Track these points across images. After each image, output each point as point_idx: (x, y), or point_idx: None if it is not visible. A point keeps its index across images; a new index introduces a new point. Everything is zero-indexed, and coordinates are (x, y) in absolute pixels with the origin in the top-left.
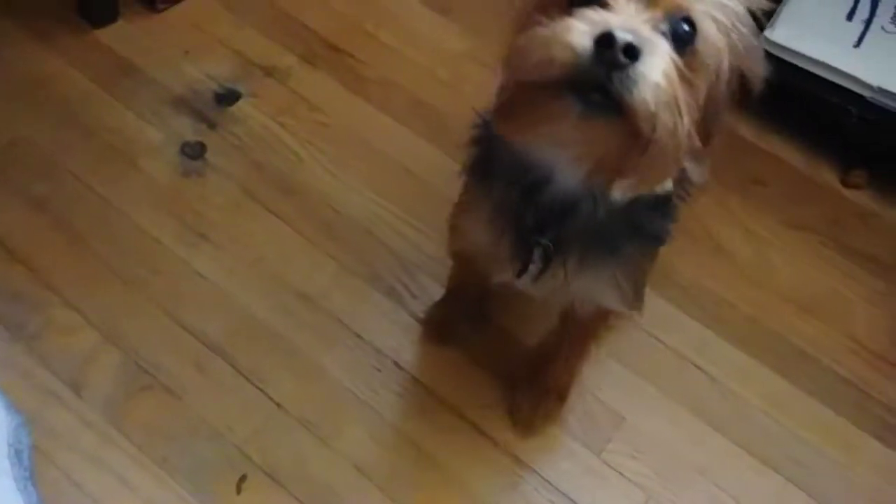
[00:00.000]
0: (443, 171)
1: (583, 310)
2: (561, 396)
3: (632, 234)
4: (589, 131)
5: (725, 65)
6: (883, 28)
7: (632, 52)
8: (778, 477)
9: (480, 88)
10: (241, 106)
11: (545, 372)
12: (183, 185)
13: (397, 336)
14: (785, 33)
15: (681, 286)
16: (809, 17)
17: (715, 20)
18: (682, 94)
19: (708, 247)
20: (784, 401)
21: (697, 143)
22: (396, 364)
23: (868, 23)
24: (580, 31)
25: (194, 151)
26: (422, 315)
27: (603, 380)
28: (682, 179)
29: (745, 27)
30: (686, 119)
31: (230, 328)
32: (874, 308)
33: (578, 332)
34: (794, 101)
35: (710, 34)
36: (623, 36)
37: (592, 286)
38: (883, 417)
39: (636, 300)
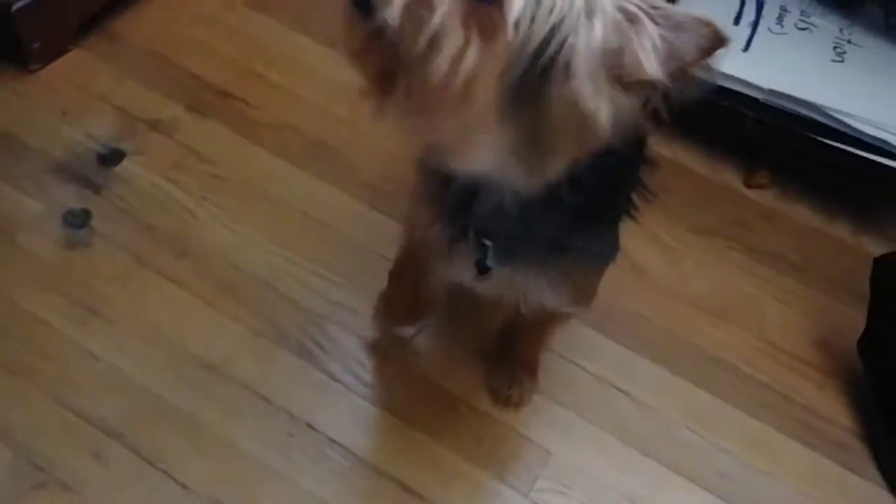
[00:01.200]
0: (345, 212)
1: (528, 308)
2: (531, 371)
3: (562, 247)
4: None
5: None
6: (770, 30)
7: None
8: (708, 495)
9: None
10: (127, 165)
11: (511, 352)
12: (68, 259)
13: (310, 396)
14: None
15: (598, 309)
16: None
17: None
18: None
19: (621, 262)
20: (706, 414)
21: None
22: (310, 426)
23: (755, 26)
24: None
25: (79, 220)
26: (333, 370)
27: (527, 415)
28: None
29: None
30: (455, 49)
31: (128, 410)
32: (784, 307)
33: (530, 327)
34: (692, 107)
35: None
36: None
37: (529, 289)
38: (804, 420)
39: (582, 300)
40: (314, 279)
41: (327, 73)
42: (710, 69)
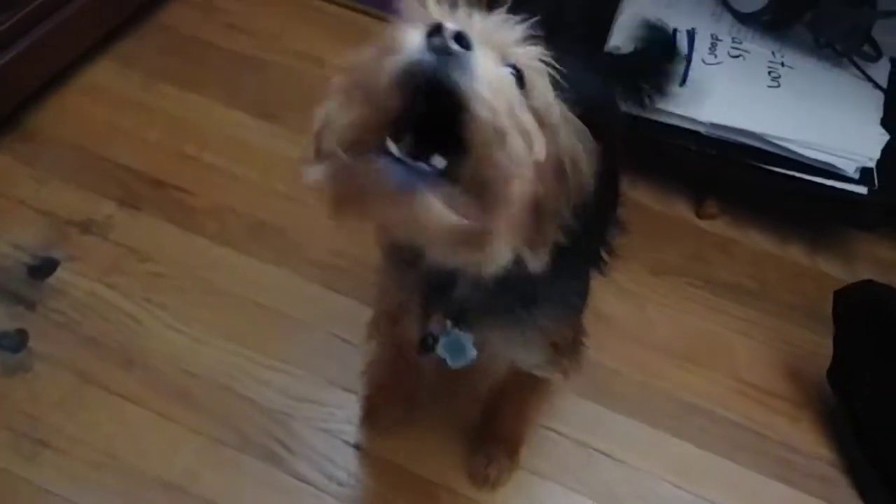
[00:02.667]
0: (298, 296)
1: (506, 375)
2: (513, 450)
3: (535, 302)
4: (417, 207)
5: (559, 127)
6: (703, 61)
7: (463, 41)
8: None
9: (323, 195)
10: (61, 275)
11: (492, 428)
12: (8, 387)
13: (281, 503)
14: None
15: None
16: None
17: (539, 72)
18: (523, 114)
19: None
20: (688, 465)
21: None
22: None
23: (689, 59)
24: (410, 31)
25: (15, 343)
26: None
27: (508, 490)
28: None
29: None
30: (532, 146)
31: None
32: (750, 340)
33: (512, 400)
34: (637, 145)
35: (537, 86)
36: (453, 25)
37: (502, 350)
38: (783, 457)
39: (563, 364)
40: (273, 375)
41: (262, 146)
42: None
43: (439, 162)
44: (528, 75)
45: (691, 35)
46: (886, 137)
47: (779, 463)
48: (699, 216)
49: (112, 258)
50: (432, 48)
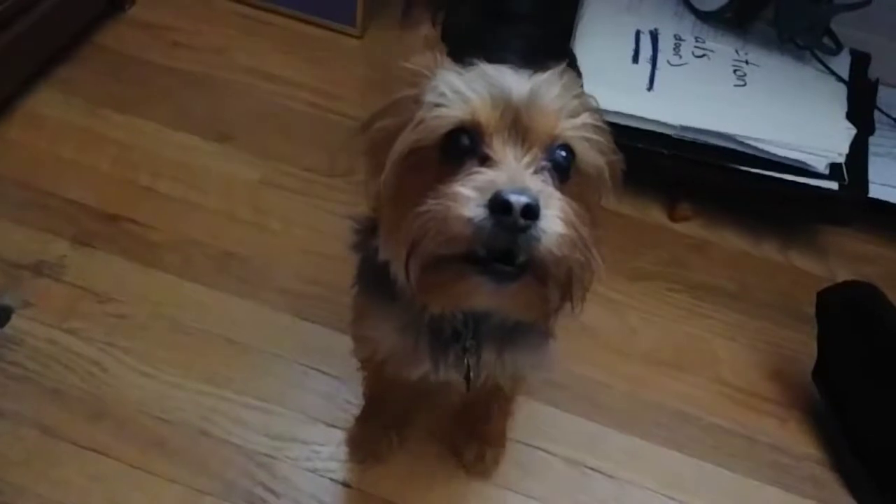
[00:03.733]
0: (269, 328)
1: (506, 383)
2: (500, 435)
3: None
4: (504, 297)
5: (605, 174)
6: (669, 62)
7: (530, 213)
8: None
9: (289, 218)
10: (17, 323)
11: (476, 419)
12: None
13: None
14: None
15: (554, 383)
16: (596, 68)
17: (585, 139)
18: (580, 223)
19: (569, 327)
20: (681, 476)
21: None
22: None
23: (654, 60)
24: (472, 200)
25: None
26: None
27: None
28: None
29: (602, 131)
30: (591, 242)
31: None
32: (733, 342)
33: (490, 402)
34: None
35: (585, 152)
36: (518, 199)
37: (513, 366)
38: (773, 460)
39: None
40: (250, 414)
41: (218, 170)
42: None
43: (522, 257)
44: (578, 147)
45: (654, 36)
46: (853, 131)
47: (770, 467)
48: (673, 219)
49: (69, 301)
50: (504, 227)
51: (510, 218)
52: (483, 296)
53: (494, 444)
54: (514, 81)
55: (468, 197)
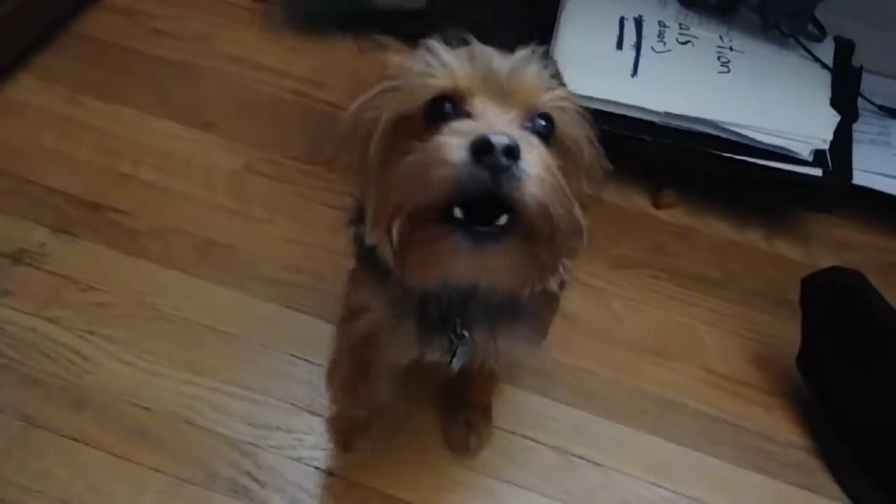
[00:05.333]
0: (254, 317)
1: (499, 366)
2: (486, 416)
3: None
4: (486, 261)
5: (585, 150)
6: (653, 49)
7: (511, 153)
8: None
9: (273, 206)
10: None
11: (464, 399)
12: None
13: None
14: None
15: (538, 371)
16: (580, 55)
17: (564, 110)
18: (563, 181)
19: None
20: (666, 462)
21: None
22: None
23: (638, 47)
24: (455, 145)
25: None
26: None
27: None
28: None
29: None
30: (575, 201)
31: None
32: (717, 329)
33: (482, 378)
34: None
35: (565, 124)
36: (500, 139)
37: (505, 349)
38: (759, 447)
39: (540, 338)
40: (234, 403)
41: (201, 158)
42: None
43: (502, 219)
44: (557, 118)
45: (638, 22)
46: (837, 118)
47: (756, 453)
48: (657, 206)
49: (50, 290)
50: (485, 166)
51: (492, 157)
52: (463, 260)
53: (481, 420)
54: (498, 55)
55: (450, 143)
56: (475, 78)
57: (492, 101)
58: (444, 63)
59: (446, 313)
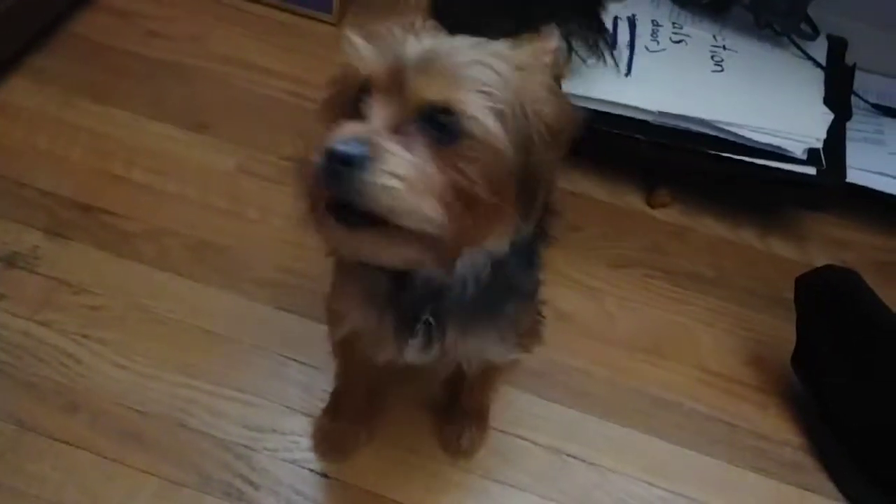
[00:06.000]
0: (247, 318)
1: (472, 368)
2: (481, 418)
3: (509, 295)
4: (368, 245)
5: (509, 148)
6: (647, 48)
7: (347, 160)
8: None
9: (266, 206)
10: None
11: (458, 401)
12: None
13: None
14: None
15: (533, 370)
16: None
17: (484, 106)
18: (441, 181)
19: (547, 314)
20: (662, 463)
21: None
22: None
23: (632, 47)
24: (319, 149)
25: None
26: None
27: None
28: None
29: (536, 86)
30: (452, 201)
31: None
32: (712, 328)
33: (476, 380)
34: (586, 139)
35: (478, 119)
36: (338, 147)
37: (478, 349)
38: (754, 446)
39: (530, 343)
40: (228, 405)
41: (195, 160)
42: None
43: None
44: (469, 112)
45: (632, 22)
46: (831, 116)
47: (751, 452)
48: (651, 206)
49: (43, 293)
50: (327, 172)
51: (331, 165)
52: (346, 243)
53: (475, 420)
54: (413, 44)
55: (319, 146)
56: (380, 71)
57: (387, 97)
58: (360, 53)
59: (417, 308)
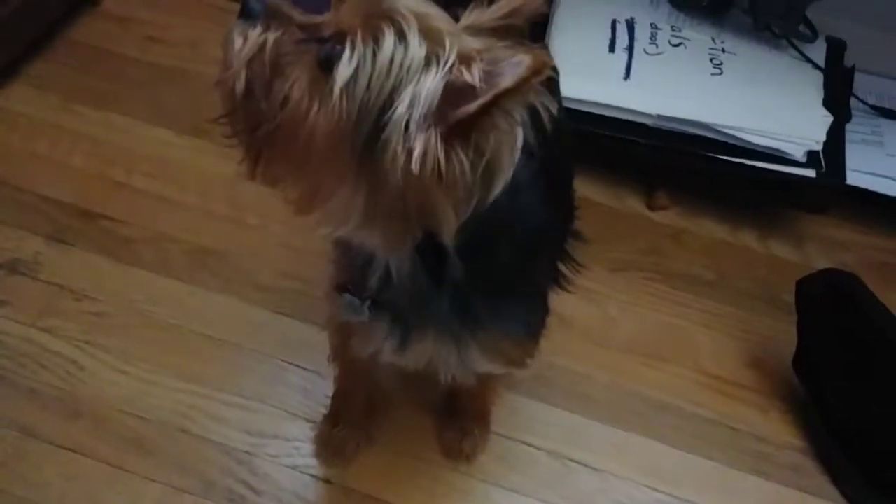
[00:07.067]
0: (247, 323)
1: (462, 378)
2: (483, 422)
3: (498, 319)
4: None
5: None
6: (645, 51)
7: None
8: None
9: (266, 212)
10: None
11: (459, 404)
12: None
13: None
14: None
15: (536, 375)
16: (573, 58)
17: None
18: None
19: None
20: (662, 466)
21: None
22: None
23: (630, 50)
24: None
25: None
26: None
27: None
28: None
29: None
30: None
31: None
32: (712, 331)
33: (477, 385)
34: (584, 142)
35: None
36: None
37: (457, 361)
38: (754, 449)
39: (516, 365)
40: (230, 411)
41: (196, 166)
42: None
43: None
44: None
45: (631, 25)
46: (830, 119)
47: (752, 456)
48: (650, 208)
49: (45, 299)
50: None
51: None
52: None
53: (477, 424)
54: None
55: None
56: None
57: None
58: None
59: (369, 294)
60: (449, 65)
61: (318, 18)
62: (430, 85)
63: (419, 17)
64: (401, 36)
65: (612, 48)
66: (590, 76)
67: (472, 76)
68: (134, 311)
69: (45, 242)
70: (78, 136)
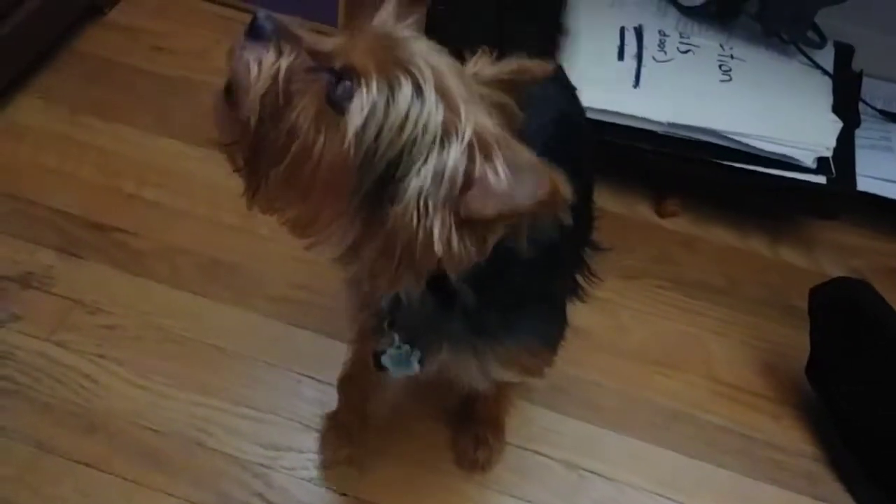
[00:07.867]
0: (261, 335)
1: (475, 387)
2: (497, 431)
3: (498, 333)
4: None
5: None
6: (654, 58)
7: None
8: None
9: (277, 224)
10: (5, 336)
11: (474, 413)
12: None
13: None
14: None
15: (549, 384)
16: (582, 66)
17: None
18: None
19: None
20: (676, 475)
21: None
22: None
23: (639, 58)
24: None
25: None
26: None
27: None
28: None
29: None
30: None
31: None
32: (724, 339)
33: (490, 394)
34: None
35: (356, 110)
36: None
37: (468, 372)
38: (769, 457)
39: (532, 374)
40: (244, 424)
41: (204, 176)
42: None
43: None
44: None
45: (639, 32)
46: (840, 125)
47: (766, 464)
48: (660, 215)
49: (59, 313)
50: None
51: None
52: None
53: (491, 434)
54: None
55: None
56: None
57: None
58: None
59: (383, 316)
60: (466, 142)
61: (327, 45)
62: (453, 165)
63: (436, 74)
64: (418, 91)
65: (620, 56)
66: (599, 84)
67: (499, 177)
68: (147, 325)
69: (57, 255)
70: (86, 147)
